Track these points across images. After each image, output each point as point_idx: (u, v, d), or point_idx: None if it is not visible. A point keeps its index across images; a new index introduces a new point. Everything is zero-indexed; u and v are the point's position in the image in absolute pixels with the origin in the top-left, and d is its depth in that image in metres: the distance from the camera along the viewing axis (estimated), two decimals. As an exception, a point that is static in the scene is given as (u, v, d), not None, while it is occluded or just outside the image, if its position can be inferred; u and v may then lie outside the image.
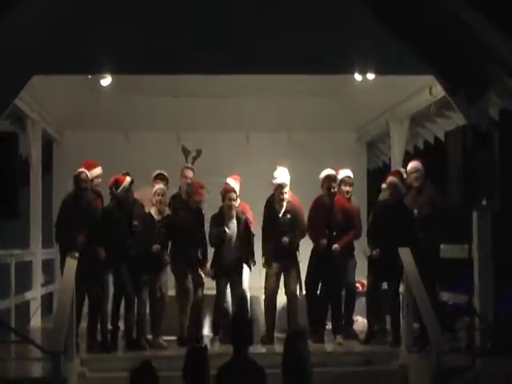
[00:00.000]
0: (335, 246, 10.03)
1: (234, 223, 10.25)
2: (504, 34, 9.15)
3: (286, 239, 10.09)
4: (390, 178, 10.12)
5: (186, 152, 11.15)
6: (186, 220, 10.09)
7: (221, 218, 10.24)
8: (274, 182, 10.28)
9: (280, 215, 10.22)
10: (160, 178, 10.38)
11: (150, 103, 12.95)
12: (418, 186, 9.95)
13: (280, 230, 10.16)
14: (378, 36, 9.42)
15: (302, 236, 10.34)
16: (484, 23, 9.12)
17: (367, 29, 9.43)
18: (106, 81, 10.99)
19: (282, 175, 10.32)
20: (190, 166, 10.99)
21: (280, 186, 10.20)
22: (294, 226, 10.22)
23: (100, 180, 10.17)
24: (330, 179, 10.20)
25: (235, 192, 10.27)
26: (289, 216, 10.21)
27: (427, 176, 10.03)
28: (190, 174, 10.78)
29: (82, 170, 9.79)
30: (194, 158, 11.07)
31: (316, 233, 10.15)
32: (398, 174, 10.36)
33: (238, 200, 10.37)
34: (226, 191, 10.24)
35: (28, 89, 9.76)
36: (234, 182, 10.48)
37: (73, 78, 11.27)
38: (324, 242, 10.02)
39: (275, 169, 10.45)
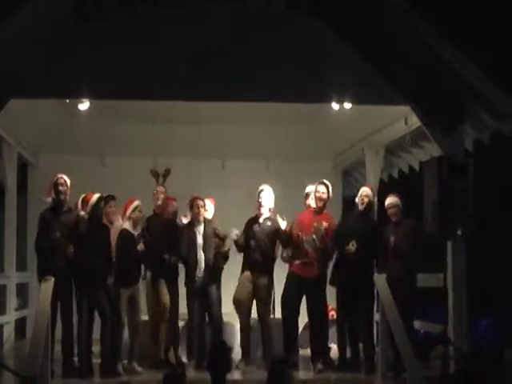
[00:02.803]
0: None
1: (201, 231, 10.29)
2: (479, 68, 9.32)
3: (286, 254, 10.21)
4: (364, 188, 10.33)
5: (155, 175, 11.19)
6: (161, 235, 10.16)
7: (191, 226, 10.30)
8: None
9: (261, 220, 10.28)
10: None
11: (127, 128, 12.97)
12: (397, 220, 10.04)
13: (258, 239, 10.21)
14: (355, 66, 9.54)
15: (288, 242, 10.28)
16: (459, 57, 9.28)
17: (345, 59, 9.55)
18: (84, 105, 11.01)
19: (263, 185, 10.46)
20: (160, 187, 11.05)
21: (259, 192, 10.33)
22: (274, 234, 10.25)
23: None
24: (320, 184, 10.22)
25: (202, 200, 10.33)
26: (269, 223, 10.25)
27: (404, 208, 10.13)
28: (161, 189, 10.83)
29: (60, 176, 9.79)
30: (164, 178, 11.08)
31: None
32: (371, 188, 10.54)
33: (210, 215, 10.45)
34: (193, 199, 10.30)
35: (4, 112, 9.71)
36: (208, 202, 10.52)
37: (50, 102, 11.29)
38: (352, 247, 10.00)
39: (251, 196, 10.52)
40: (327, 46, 9.57)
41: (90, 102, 10.85)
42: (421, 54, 9.44)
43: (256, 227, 10.28)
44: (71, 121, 12.62)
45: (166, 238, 10.13)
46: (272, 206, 10.36)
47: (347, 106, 10.49)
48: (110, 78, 9.41)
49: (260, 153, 13.37)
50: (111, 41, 9.35)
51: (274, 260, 10.37)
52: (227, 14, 9.35)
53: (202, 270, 10.16)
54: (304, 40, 9.57)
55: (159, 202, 10.59)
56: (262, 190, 10.36)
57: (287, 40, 9.53)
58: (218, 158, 13.46)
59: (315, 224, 10.13)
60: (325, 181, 10.30)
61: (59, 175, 9.84)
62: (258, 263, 10.25)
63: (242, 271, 10.35)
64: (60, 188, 9.77)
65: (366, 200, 10.17)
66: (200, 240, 10.21)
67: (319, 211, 10.26)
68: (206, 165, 13.24)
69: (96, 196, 9.77)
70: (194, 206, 10.27)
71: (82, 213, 9.86)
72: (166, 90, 9.55)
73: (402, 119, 10.74)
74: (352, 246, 9.87)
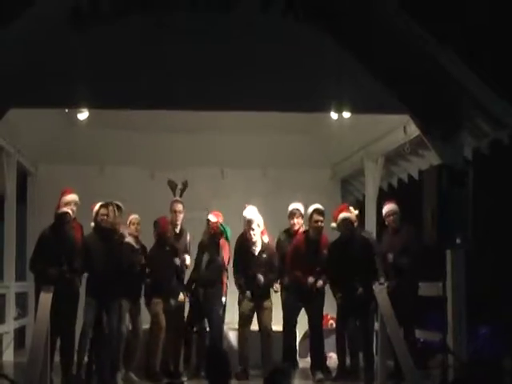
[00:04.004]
0: (320, 282, 10.08)
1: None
2: (478, 76, 9.32)
3: (260, 277, 10.12)
4: (342, 214, 10.20)
5: (172, 185, 11.24)
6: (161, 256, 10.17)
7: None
8: (244, 219, 10.36)
9: (256, 254, 10.25)
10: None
11: (126, 137, 12.98)
12: (396, 227, 10.04)
13: (255, 269, 10.20)
14: (353, 75, 9.53)
15: (276, 279, 10.38)
16: (459, 65, 9.28)
17: (343, 68, 9.53)
18: (83, 115, 11.02)
19: (250, 212, 10.37)
20: (178, 199, 11.02)
21: (248, 222, 10.25)
22: (269, 266, 10.27)
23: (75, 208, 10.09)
24: (318, 213, 10.24)
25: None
26: (264, 256, 10.25)
27: (402, 216, 10.12)
28: (179, 207, 10.71)
29: (66, 210, 9.75)
30: (182, 190, 11.10)
31: (301, 270, 10.15)
32: (347, 208, 10.47)
33: None
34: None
35: (4, 121, 9.72)
36: (213, 218, 10.52)
37: (49, 112, 11.30)
38: (311, 280, 10.06)
39: (248, 204, 10.53)
40: (325, 55, 9.57)
41: (89, 112, 10.87)
42: (419, 63, 9.44)
43: (252, 261, 10.25)
44: (70, 130, 12.65)
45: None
46: (262, 226, 10.35)
47: (346, 115, 10.49)
48: (109, 87, 9.41)
49: (259, 161, 13.37)
50: (110, 50, 9.36)
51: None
52: (225, 23, 9.35)
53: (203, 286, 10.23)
54: (302, 49, 9.56)
55: (179, 223, 10.60)
56: (251, 221, 10.27)
57: (285, 49, 9.52)
58: (217, 167, 13.46)
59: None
60: (319, 207, 10.28)
61: (75, 194, 9.86)
62: (258, 294, 10.24)
63: (241, 299, 10.33)
64: (73, 208, 9.80)
65: (346, 228, 10.15)
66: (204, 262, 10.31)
67: (316, 238, 10.25)
68: (205, 173, 13.23)
69: (97, 205, 9.85)
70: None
71: (92, 224, 9.92)
72: (165, 100, 9.56)
73: (400, 128, 10.73)
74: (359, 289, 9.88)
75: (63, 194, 9.98)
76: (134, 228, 10.14)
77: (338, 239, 10.29)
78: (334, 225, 10.34)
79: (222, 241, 10.47)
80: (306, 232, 10.38)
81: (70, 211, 9.73)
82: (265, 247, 10.28)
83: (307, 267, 10.15)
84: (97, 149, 13.02)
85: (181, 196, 10.88)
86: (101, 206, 9.83)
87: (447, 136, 9.57)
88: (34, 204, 13.07)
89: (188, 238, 10.70)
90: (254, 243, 10.24)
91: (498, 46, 15.10)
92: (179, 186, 10.95)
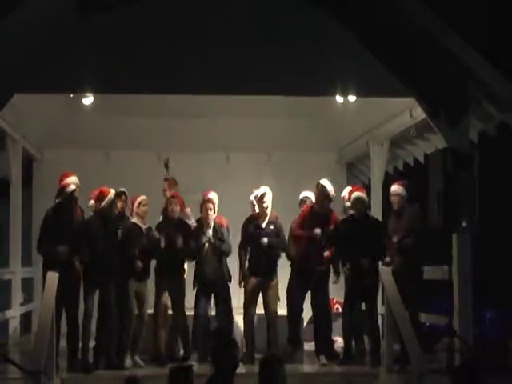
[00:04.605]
0: (317, 230, 10.03)
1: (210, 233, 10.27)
2: (484, 59, 9.27)
3: (264, 240, 10.09)
4: (355, 193, 10.15)
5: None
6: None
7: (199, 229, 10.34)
8: (255, 193, 10.33)
9: (264, 225, 10.21)
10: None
11: (131, 122, 12.99)
12: (398, 209, 10.00)
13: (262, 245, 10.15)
14: (359, 58, 9.52)
15: (283, 245, 10.30)
16: (465, 48, 9.24)
17: (349, 51, 9.53)
18: (88, 100, 11.01)
19: (262, 188, 10.35)
20: (165, 176, 11.05)
21: (261, 196, 10.22)
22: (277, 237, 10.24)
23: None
24: (322, 187, 10.15)
25: (212, 203, 10.30)
26: (272, 227, 10.21)
27: (408, 198, 10.09)
28: (164, 185, 10.95)
29: (74, 187, 9.73)
30: (166, 167, 11.13)
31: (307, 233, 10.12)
32: (362, 188, 10.44)
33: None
34: (203, 202, 10.30)
35: (9, 107, 9.71)
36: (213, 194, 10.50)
37: (54, 97, 11.30)
38: (318, 230, 10.00)
39: (255, 188, 10.50)
40: (331, 39, 9.54)
41: (94, 97, 10.88)
42: (426, 45, 9.39)
43: (260, 233, 10.20)
44: (75, 115, 12.64)
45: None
46: (269, 192, 10.31)
47: (351, 98, 10.46)
48: (114, 72, 9.41)
49: (265, 146, 13.37)
50: (115, 35, 9.35)
51: (278, 259, 10.38)
52: (230, 6, 9.32)
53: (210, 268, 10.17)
54: (308, 32, 9.54)
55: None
56: (265, 194, 10.22)
57: (291, 32, 9.50)
58: (222, 151, 13.44)
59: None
60: (323, 182, 10.17)
61: (75, 178, 9.83)
62: (264, 268, 10.20)
63: (248, 276, 10.28)
64: (76, 193, 9.75)
65: (358, 207, 10.08)
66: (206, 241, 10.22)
67: (321, 212, 10.20)
68: (210, 158, 13.24)
69: (112, 192, 9.79)
70: (203, 209, 10.27)
71: (92, 202, 9.90)
72: (170, 84, 9.54)
73: (406, 111, 10.70)
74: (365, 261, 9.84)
75: (64, 176, 9.87)
76: (143, 209, 10.11)
77: (349, 216, 10.27)
78: (348, 204, 10.30)
79: (219, 216, 10.42)
80: (312, 206, 10.35)
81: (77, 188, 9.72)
82: (273, 219, 10.25)
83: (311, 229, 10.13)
84: (102, 134, 13.03)
85: (168, 173, 10.95)
86: (116, 196, 9.82)
87: (453, 119, 9.53)
88: (40, 189, 13.09)
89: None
90: (265, 216, 10.21)
91: (504, 27, 15.02)
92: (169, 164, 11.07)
